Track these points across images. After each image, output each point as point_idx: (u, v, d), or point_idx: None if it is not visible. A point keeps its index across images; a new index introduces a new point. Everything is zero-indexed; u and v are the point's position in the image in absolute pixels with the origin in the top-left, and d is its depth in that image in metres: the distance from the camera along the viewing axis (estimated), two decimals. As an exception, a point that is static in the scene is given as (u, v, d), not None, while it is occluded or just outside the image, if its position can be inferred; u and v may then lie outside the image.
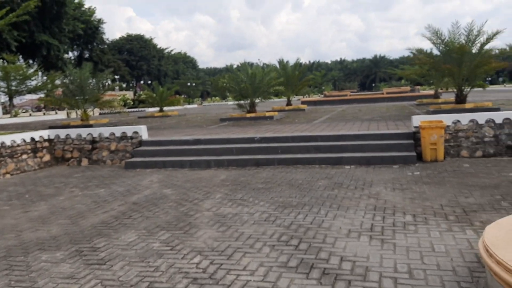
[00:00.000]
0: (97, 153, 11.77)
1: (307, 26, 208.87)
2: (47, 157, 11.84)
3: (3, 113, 42.59)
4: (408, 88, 41.57)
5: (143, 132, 11.64)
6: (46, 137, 12.02)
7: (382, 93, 35.26)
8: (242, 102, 18.55)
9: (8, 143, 10.66)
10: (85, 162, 11.83)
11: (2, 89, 37.89)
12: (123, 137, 11.59)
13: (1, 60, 37.89)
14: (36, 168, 11.37)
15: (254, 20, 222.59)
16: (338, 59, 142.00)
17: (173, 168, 10.18)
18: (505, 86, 66.53)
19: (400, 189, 6.82)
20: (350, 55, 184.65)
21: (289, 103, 25.20)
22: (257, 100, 18.41)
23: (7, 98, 43.62)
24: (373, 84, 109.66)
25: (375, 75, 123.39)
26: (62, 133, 12.17)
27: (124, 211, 6.48)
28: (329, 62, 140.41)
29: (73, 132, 12.10)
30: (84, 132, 12.01)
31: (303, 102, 32.12)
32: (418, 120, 9.57)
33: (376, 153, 9.24)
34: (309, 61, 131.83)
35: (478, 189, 6.50)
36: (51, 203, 7.28)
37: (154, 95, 28.26)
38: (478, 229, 4.65)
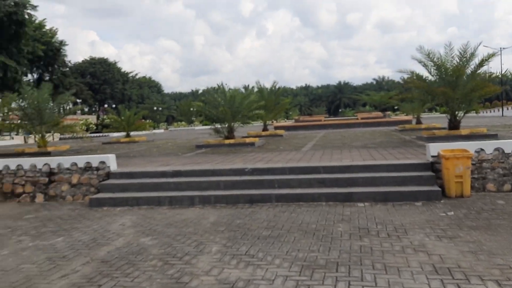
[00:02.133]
0: (55, 187, 9.87)
1: (271, 53, 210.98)
2: (-8, 193, 9.84)
3: (-48, 138, 39.19)
4: (381, 113, 41.22)
5: (112, 162, 9.88)
6: (-8, 168, 10.05)
7: (357, 119, 34.55)
8: (219, 127, 17.04)
9: None
10: (40, 198, 9.89)
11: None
12: (88, 168, 9.79)
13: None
14: (-22, 206, 9.35)
15: (219, 46, 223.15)
16: (303, 85, 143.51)
17: (149, 206, 8.46)
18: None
19: (446, 237, 5.41)
20: (313, 82, 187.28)
21: (265, 128, 23.88)
22: (235, 125, 16.95)
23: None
24: (340, 110, 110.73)
25: (340, 100, 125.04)
26: (13, 163, 10.23)
27: (90, 275, 4.74)
28: (294, 87, 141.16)
29: (26, 162, 10.18)
30: (39, 162, 10.11)
31: (276, 127, 30.84)
32: (436, 148, 8.32)
33: (393, 188, 7.87)
34: (270, 87, 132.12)
35: (545, 237, 5.18)
36: (-11, 262, 5.44)
37: (121, 119, 26.29)
38: None
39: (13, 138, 40.63)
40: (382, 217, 6.62)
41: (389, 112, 44.15)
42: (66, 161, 9.95)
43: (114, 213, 8.04)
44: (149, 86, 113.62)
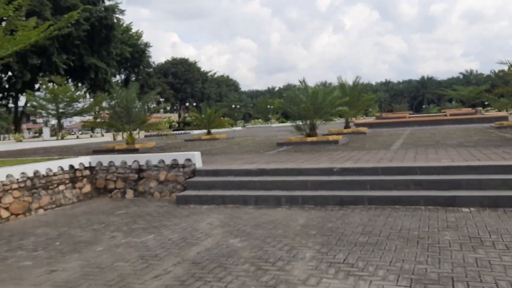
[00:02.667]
0: (144, 184, 10.10)
1: (348, 48, 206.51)
2: (87, 188, 10.28)
3: (51, 136, 42.65)
4: (471, 109, 38.32)
5: (197, 160, 9.89)
6: (87, 165, 10.51)
7: (445, 115, 32.39)
8: (300, 124, 16.65)
9: (43, 172, 9.16)
10: (130, 194, 10.18)
11: (50, 111, 37.95)
12: (174, 165, 9.89)
13: (51, 84, 38.04)
14: (75, 201, 9.81)
15: (295, 43, 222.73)
16: (383, 81, 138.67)
17: (234, 205, 8.31)
18: None
19: None
20: (393, 77, 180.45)
21: (347, 125, 23.11)
22: (317, 122, 16.45)
23: (56, 121, 43.89)
24: (423, 106, 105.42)
25: (423, 96, 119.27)
26: (105, 160, 10.63)
27: (182, 277, 4.60)
28: (374, 83, 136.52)
29: (117, 159, 10.53)
30: (129, 159, 10.41)
31: (357, 125, 29.76)
32: (555, 148, 7.30)
33: (503, 192, 7.01)
34: (352, 83, 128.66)
35: None
36: (85, 257, 5.53)
37: (201, 117, 26.84)
38: None
39: (103, 135, 43.30)
40: (494, 225, 5.87)
41: (480, 108, 40.97)
42: (154, 158, 10.15)
43: (200, 211, 7.99)
44: (227, 84, 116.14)
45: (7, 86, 50.69)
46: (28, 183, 8.77)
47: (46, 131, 44.25)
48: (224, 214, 7.64)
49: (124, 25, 62.75)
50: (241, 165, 10.00)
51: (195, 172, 9.73)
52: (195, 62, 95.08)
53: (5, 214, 8.11)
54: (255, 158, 11.81)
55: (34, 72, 45.01)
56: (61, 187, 9.54)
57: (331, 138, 15.50)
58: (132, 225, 7.18)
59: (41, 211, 8.86)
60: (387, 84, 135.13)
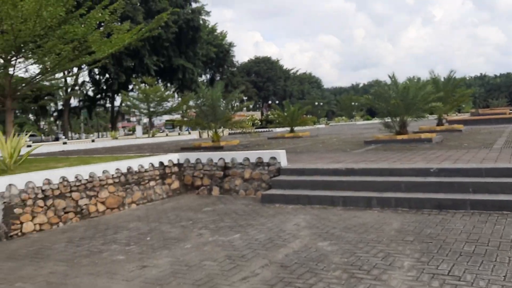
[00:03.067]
0: (229, 181, 10.13)
1: (439, 41, 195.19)
2: (175, 184, 10.55)
3: (143, 133, 45.15)
4: None
5: (282, 158, 9.70)
6: (175, 161, 10.78)
7: (553, 111, 29.21)
8: (389, 121, 15.84)
9: (135, 168, 9.54)
10: (216, 191, 10.27)
11: (143, 110, 40.19)
12: (259, 163, 9.79)
13: (143, 84, 40.23)
14: (164, 196, 10.10)
15: (380, 38, 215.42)
16: (478, 74, 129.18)
17: (321, 205, 7.99)
18: None
19: None
20: (489, 70, 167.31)
21: (440, 122, 21.64)
22: (408, 119, 15.53)
23: (147, 119, 46.44)
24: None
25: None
26: (192, 157, 10.84)
27: (270, 281, 4.41)
28: (468, 78, 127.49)
29: (203, 156, 10.68)
30: (215, 156, 10.51)
31: (450, 122, 27.77)
32: None
33: None
34: (444, 78, 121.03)
35: None
36: (174, 254, 5.56)
37: (285, 114, 26.73)
38: None
39: (189, 133, 44.96)
40: None
41: None
42: (239, 156, 10.14)
43: (286, 211, 7.79)
44: (309, 81, 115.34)
45: (104, 87, 54.63)
46: (122, 178, 9.18)
47: (139, 129, 46.96)
48: (311, 214, 7.36)
49: (210, 26, 64.68)
50: (327, 164, 9.65)
51: (280, 171, 9.55)
52: (278, 60, 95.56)
53: (101, 208, 8.55)
54: (342, 157, 11.37)
55: (128, 73, 47.97)
56: (152, 183, 9.87)
57: (423, 136, 14.54)
58: (219, 223, 7.17)
59: (133, 205, 9.22)
60: (482, 78, 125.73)
